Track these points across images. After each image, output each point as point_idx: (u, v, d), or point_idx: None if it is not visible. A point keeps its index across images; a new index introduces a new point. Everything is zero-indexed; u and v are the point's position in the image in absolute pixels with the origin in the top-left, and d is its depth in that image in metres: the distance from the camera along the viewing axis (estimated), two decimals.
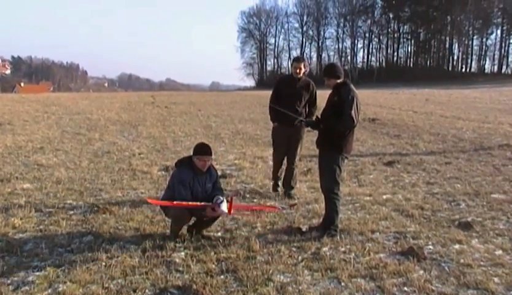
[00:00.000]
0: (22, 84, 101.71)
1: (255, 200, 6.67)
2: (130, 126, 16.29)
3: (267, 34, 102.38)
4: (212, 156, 5.10)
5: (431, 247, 4.94)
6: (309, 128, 5.88)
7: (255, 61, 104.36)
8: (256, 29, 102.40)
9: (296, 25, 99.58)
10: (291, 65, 6.88)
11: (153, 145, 11.77)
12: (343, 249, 4.87)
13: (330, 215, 5.26)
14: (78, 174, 8.16)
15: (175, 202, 4.82)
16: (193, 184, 4.97)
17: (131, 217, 5.78)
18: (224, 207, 4.84)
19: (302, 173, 8.06)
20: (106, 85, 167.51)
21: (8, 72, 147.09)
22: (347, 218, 5.83)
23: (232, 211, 4.98)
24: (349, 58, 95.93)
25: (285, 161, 6.97)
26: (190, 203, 4.84)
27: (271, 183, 7.17)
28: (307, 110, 6.77)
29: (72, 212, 6.05)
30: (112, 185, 7.48)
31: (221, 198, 4.91)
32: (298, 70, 6.60)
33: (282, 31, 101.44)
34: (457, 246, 4.95)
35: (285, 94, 6.69)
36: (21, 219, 5.65)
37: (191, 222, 5.20)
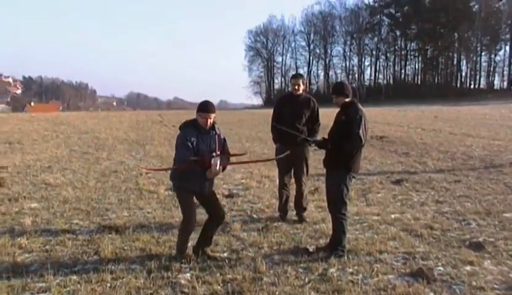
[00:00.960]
0: (32, 104, 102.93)
1: (261, 220, 6.61)
2: (138, 145, 16.33)
3: (275, 52, 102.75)
4: (214, 113, 4.97)
5: (441, 268, 4.84)
6: (316, 147, 5.84)
7: (263, 79, 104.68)
8: (263, 48, 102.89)
9: (303, 43, 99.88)
10: (290, 82, 6.82)
11: (160, 164, 11.76)
12: (351, 270, 4.80)
13: (337, 235, 5.19)
14: (85, 194, 8.16)
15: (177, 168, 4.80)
16: (197, 142, 4.87)
17: (136, 237, 5.75)
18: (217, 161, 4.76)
19: (310, 192, 7.97)
20: (115, 104, 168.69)
21: (19, 91, 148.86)
22: (354, 238, 5.76)
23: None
24: (356, 75, 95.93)
25: (293, 182, 6.81)
26: (187, 162, 4.77)
27: (277, 203, 6.99)
28: (309, 128, 6.62)
29: (78, 232, 6.04)
30: (118, 204, 7.47)
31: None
32: (296, 87, 6.50)
33: (289, 49, 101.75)
34: (468, 268, 4.85)
35: (285, 112, 6.58)
36: (27, 239, 5.64)
37: (194, 234, 5.16)
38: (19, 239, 5.59)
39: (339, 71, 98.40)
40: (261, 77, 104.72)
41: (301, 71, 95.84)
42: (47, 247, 5.44)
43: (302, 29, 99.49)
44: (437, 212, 7.03)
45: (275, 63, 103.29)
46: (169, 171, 5.39)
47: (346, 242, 5.27)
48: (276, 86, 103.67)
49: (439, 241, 5.72)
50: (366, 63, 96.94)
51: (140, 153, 14.02)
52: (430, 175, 10.12)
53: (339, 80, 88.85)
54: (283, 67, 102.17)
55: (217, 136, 5.06)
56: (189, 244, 5.21)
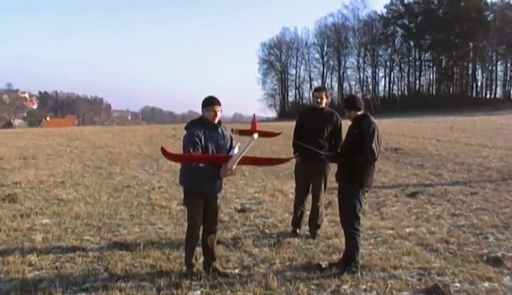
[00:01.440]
0: (48, 118, 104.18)
1: (273, 236, 6.51)
2: (151, 159, 16.33)
3: (288, 65, 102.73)
4: (221, 106, 4.92)
5: (458, 284, 4.71)
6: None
7: (276, 92, 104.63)
8: (277, 61, 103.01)
9: (317, 56, 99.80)
10: (313, 95, 6.66)
11: (173, 179, 11.71)
12: (364, 286, 4.68)
13: (350, 251, 5.09)
14: (97, 209, 8.14)
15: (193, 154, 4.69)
16: (205, 139, 4.81)
17: (147, 254, 5.69)
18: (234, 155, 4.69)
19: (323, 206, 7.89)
20: (129, 118, 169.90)
21: (35, 106, 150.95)
22: (368, 253, 5.64)
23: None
24: (371, 87, 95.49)
25: (309, 199, 6.65)
26: (205, 156, 4.75)
27: (290, 218, 6.91)
28: (331, 143, 6.38)
29: (88, 248, 6.00)
30: (130, 220, 7.43)
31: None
32: (319, 100, 6.32)
33: (303, 61, 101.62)
34: (486, 284, 4.72)
35: (307, 126, 6.42)
36: (37, 255, 5.61)
37: (198, 246, 5.12)
38: (29, 256, 5.57)
39: (353, 83, 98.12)
40: (275, 89, 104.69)
41: (315, 84, 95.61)
42: (57, 264, 5.41)
43: (316, 41, 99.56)
44: (453, 226, 6.88)
45: (289, 76, 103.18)
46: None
47: (359, 258, 5.17)
48: (290, 99, 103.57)
49: (456, 256, 5.58)
50: (380, 74, 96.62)
51: (153, 168, 14.00)
52: (446, 187, 9.96)
53: (353, 91, 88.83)
54: (297, 80, 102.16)
55: (225, 133, 5.06)
56: (200, 260, 5.16)
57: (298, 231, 6.57)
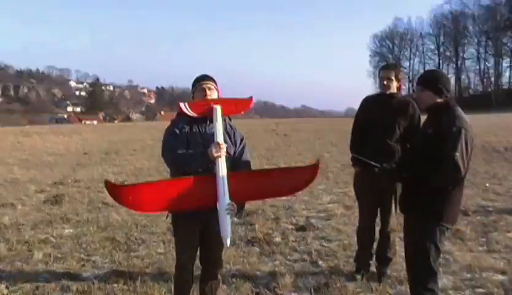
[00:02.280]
0: (162, 112, 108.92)
1: (325, 273, 4.71)
2: None
3: (401, 57, 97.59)
4: (214, 83, 3.47)
5: None
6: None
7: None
8: (389, 53, 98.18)
9: (432, 46, 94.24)
10: (379, 76, 4.54)
11: None
12: None
13: None
14: (135, 218, 6.93)
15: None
16: (190, 131, 3.33)
17: (147, 292, 4.29)
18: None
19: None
20: (242, 112, 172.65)
21: (152, 101, 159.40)
22: None
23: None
24: (493, 79, 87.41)
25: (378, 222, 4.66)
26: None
27: (354, 255, 4.89)
28: (405, 146, 4.27)
29: (83, 276, 4.73)
30: (161, 234, 6.12)
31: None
32: (386, 83, 4.30)
33: (417, 53, 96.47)
34: None
35: (370, 121, 4.43)
36: (7, 288, 4.46)
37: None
38: (5, 284, 4.42)
39: (472, 74, 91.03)
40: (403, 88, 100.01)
41: None
42: None
43: (431, 31, 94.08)
44: None
45: (402, 68, 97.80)
46: None
47: None
48: (403, 93, 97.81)
49: None
50: (505, 64, 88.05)
51: None
52: None
53: (472, 85, 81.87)
54: (410, 73, 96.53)
55: (230, 128, 3.46)
56: None
57: (363, 273, 4.56)
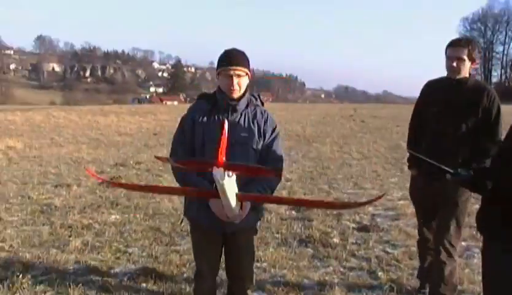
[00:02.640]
0: None
1: (382, 286, 4.03)
2: (305, 142, 14.51)
3: (495, 41, 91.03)
4: (244, 68, 2.70)
5: None
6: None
7: (478, 72, 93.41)
8: (480, 36, 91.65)
9: None
10: (445, 55, 3.52)
11: (311, 170, 9.65)
12: None
13: None
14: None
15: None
16: (208, 120, 2.72)
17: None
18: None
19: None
20: (323, 96, 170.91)
21: None
22: None
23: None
24: None
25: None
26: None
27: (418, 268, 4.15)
28: (477, 145, 3.36)
29: (114, 271, 4.35)
30: None
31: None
32: (455, 64, 3.33)
33: None
34: None
35: (433, 112, 3.53)
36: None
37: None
38: (33, 272, 4.13)
39: None
40: (476, 69, 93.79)
41: None
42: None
43: None
44: None
45: (494, 53, 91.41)
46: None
47: None
48: (494, 80, 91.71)
49: None
50: None
51: (299, 153, 12.11)
52: None
53: None
54: (504, 58, 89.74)
55: (260, 115, 2.80)
56: None
57: (426, 290, 3.84)
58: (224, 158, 2.32)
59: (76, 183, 7.85)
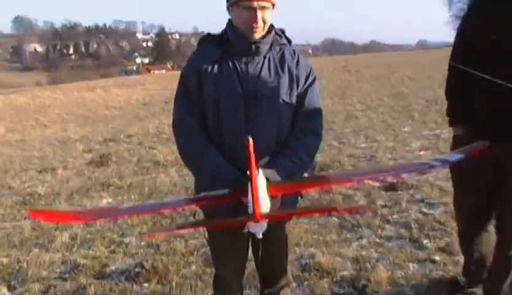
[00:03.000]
0: None
1: (435, 261, 3.33)
2: None
3: None
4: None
5: None
6: None
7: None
8: None
9: None
10: None
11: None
12: None
13: None
14: (189, 180, 5.85)
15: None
16: (220, 70, 1.91)
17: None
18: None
19: None
20: (310, 51, 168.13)
21: None
22: None
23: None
24: None
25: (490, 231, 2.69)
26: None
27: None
28: None
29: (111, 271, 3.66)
30: None
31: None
32: None
33: None
34: None
35: (485, 42, 2.33)
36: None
37: None
38: (12, 282, 3.43)
39: None
40: (464, 9, 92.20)
41: None
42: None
43: None
44: None
45: None
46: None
47: None
48: None
49: None
50: None
51: None
52: None
53: None
54: None
55: (290, 58, 2.01)
56: None
57: (479, 290, 2.78)
58: (260, 211, 1.48)
59: (62, 165, 7.13)
